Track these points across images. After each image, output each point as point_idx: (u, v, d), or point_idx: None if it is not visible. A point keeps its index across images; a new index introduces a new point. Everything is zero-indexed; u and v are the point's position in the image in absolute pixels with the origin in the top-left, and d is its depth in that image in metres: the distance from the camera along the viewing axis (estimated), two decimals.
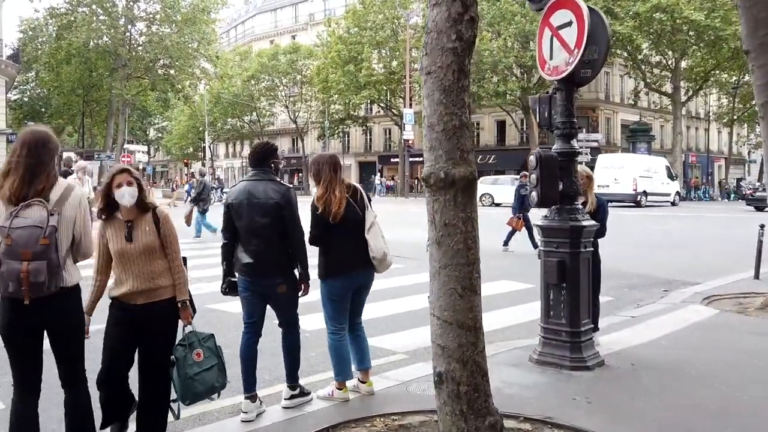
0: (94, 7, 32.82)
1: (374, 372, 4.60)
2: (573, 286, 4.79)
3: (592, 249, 5.04)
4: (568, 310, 4.79)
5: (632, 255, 11.31)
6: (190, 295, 3.38)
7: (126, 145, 35.61)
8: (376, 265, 4.10)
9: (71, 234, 2.90)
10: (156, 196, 40.34)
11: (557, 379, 4.58)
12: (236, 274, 3.98)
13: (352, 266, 4.05)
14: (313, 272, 4.08)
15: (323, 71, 43.68)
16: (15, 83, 38.71)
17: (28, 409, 2.89)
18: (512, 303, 7.40)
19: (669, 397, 4.23)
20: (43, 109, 41.89)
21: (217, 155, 65.55)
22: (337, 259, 4.03)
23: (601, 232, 5.29)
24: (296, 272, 4.00)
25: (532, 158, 4.86)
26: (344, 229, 4.00)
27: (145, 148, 50.00)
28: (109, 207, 3.21)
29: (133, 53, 34.13)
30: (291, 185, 4.15)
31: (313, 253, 4.17)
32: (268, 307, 4.05)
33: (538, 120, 5.25)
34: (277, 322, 4.13)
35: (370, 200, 4.24)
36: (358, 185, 4.24)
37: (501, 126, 45.86)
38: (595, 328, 5.32)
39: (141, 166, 30.24)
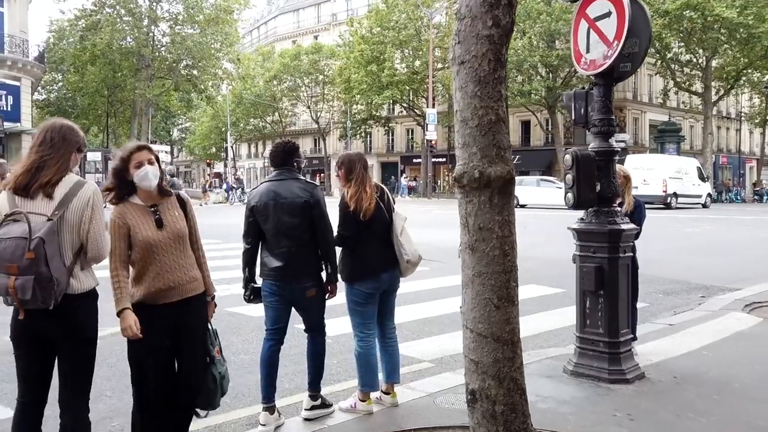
0: (117, 8, 33.06)
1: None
2: (611, 294, 4.50)
3: (632, 254, 4.74)
4: (606, 319, 4.49)
5: (665, 259, 10.89)
6: None
7: (150, 146, 35.83)
8: (406, 268, 3.95)
9: (77, 238, 2.62)
10: None
11: (595, 392, 4.29)
12: (258, 280, 3.77)
13: (379, 268, 3.86)
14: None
15: (345, 71, 43.56)
16: (42, 83, 39.33)
17: (30, 423, 2.68)
18: (542, 308, 7.10)
19: (717, 414, 3.92)
20: (70, 110, 42.50)
21: (239, 155, 65.92)
22: (365, 261, 3.84)
23: (636, 234, 5.01)
24: (322, 274, 3.80)
25: (567, 157, 4.57)
26: (372, 230, 3.83)
27: (168, 148, 50.36)
28: (121, 191, 2.89)
29: (157, 54, 34.33)
30: (317, 184, 3.95)
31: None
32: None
33: (573, 117, 4.96)
34: (301, 327, 3.94)
35: (394, 202, 4.05)
36: (384, 186, 4.05)
37: (526, 126, 45.28)
38: (633, 338, 5.02)
39: (165, 167, 30.25)
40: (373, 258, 3.84)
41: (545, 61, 35.86)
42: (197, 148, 65.28)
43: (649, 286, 8.12)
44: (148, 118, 36.67)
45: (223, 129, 54.58)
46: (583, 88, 4.96)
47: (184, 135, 71.22)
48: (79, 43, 36.41)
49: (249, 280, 3.77)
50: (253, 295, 3.77)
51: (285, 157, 3.77)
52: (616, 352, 4.49)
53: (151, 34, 34.13)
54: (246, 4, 36.29)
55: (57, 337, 2.62)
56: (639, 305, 5.51)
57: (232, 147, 57.72)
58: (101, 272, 2.82)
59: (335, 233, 3.85)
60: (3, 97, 25.29)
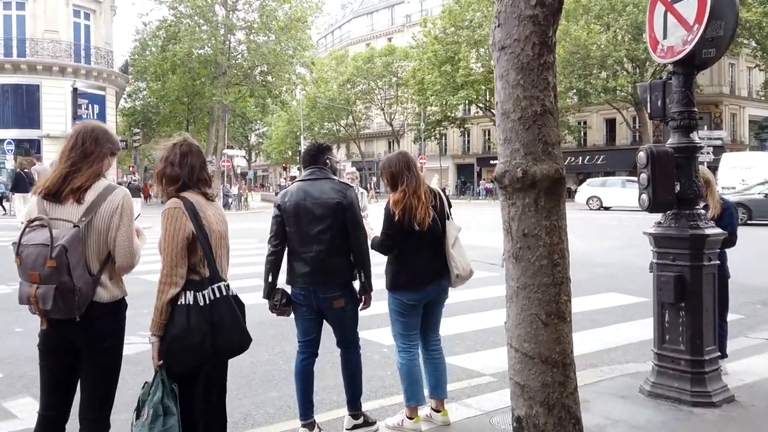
0: (196, 18, 34.30)
1: (453, 397, 4.08)
2: (694, 306, 3.99)
3: (719, 262, 4.20)
4: (688, 335, 4.00)
5: (763, 266, 9.88)
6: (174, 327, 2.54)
7: (225, 150, 36.85)
8: (456, 281, 3.65)
9: (105, 246, 2.50)
10: (255, 199, 41.50)
11: (675, 417, 3.81)
12: (287, 288, 3.56)
13: (424, 280, 3.58)
14: (380, 281, 3.62)
15: (419, 73, 43.31)
16: (127, 92, 41.59)
17: None
18: (621, 319, 6.57)
19: None
20: (153, 117, 44.66)
21: None
22: (409, 271, 3.57)
23: (730, 241, 4.46)
24: (356, 283, 3.55)
25: (641, 154, 4.11)
26: (420, 238, 3.53)
27: (244, 153, 51.67)
28: None
29: (233, 61, 35.17)
30: (351, 185, 3.69)
31: (380, 261, 3.73)
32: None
33: (649, 110, 4.48)
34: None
35: (450, 206, 3.75)
36: (437, 189, 3.74)
37: (611, 124, 43.29)
38: (723, 355, 4.47)
39: (239, 170, 30.96)
40: (419, 269, 3.56)
41: (632, 56, 34.01)
42: (274, 153, 66.90)
43: (744, 295, 7.34)
44: (225, 123, 37.65)
45: (297, 133, 55.70)
46: (661, 77, 4.48)
47: (261, 140, 73.31)
48: (160, 53, 38.20)
49: (272, 286, 3.50)
50: (285, 299, 3.48)
51: (316, 155, 3.57)
52: (699, 371, 3.99)
53: (227, 43, 35.05)
54: (318, 8, 36.54)
55: (80, 347, 2.51)
56: (732, 317, 4.95)
57: None
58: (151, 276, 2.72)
59: (378, 238, 3.61)
60: (89, 106, 26.85)
